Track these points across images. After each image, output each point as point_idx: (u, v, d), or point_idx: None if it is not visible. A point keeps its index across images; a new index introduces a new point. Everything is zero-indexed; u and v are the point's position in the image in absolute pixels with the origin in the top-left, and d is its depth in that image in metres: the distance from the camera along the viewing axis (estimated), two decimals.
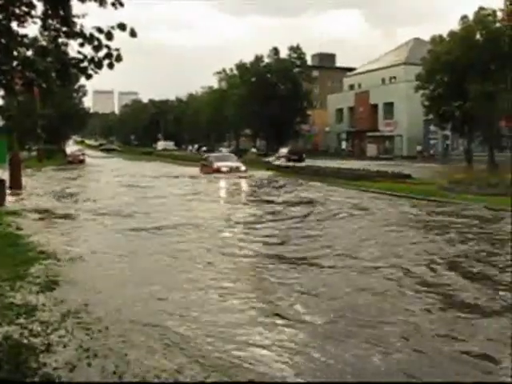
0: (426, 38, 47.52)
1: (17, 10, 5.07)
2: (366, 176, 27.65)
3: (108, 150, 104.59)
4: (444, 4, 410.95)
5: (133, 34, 4.71)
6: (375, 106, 71.02)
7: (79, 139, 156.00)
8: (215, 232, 13.65)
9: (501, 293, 7.83)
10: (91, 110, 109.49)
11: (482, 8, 39.34)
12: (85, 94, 77.79)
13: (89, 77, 4.96)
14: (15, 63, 5.18)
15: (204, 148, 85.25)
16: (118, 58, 4.81)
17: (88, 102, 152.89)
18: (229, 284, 8.58)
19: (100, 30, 4.76)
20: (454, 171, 29.40)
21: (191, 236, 13.12)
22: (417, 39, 72.24)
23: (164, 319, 6.75)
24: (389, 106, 68.33)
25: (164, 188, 26.60)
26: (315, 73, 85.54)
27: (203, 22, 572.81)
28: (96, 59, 4.82)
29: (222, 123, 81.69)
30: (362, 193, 22.76)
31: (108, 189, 27.32)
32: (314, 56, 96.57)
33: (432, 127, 56.37)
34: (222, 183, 29.52)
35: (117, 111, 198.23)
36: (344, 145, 78.12)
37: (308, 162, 41.82)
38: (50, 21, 5.24)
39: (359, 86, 79.40)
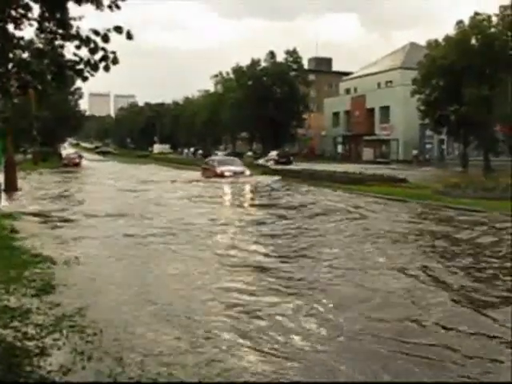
0: (422, 42, 47.76)
1: (13, 13, 5.06)
2: (361, 180, 27.73)
3: (104, 153, 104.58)
4: (440, 8, 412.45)
5: (129, 36, 4.72)
6: (371, 110, 71.11)
7: (75, 142, 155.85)
8: None
9: None
10: (87, 113, 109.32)
11: (477, 13, 39.58)
12: (81, 96, 77.70)
13: (85, 79, 4.96)
14: (11, 65, 5.17)
15: (200, 151, 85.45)
16: (115, 61, 4.81)
17: (84, 104, 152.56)
18: None
19: (96, 33, 4.76)
20: (450, 175, 29.48)
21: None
22: (413, 43, 72.40)
23: (160, 320, 6.73)
24: (385, 110, 68.42)
25: (166, 196, 23.88)
26: (311, 77, 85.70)
27: (200, 24, 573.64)
28: (92, 61, 4.82)
29: (219, 126, 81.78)
30: (355, 196, 22.81)
31: (103, 193, 27.22)
32: (310, 60, 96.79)
33: (428, 131, 56.54)
34: (229, 189, 27.37)
35: (113, 114, 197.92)
36: (340, 149, 78.15)
37: (304, 166, 41.68)
38: (46, 23, 5.24)
39: (355, 90, 79.50)
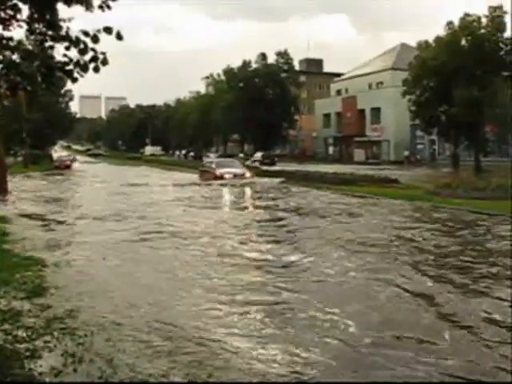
0: (413, 43, 47.90)
1: (2, 14, 5.04)
2: (352, 181, 27.83)
3: (95, 156, 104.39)
4: (430, 10, 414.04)
5: (119, 37, 4.70)
6: (362, 111, 71.30)
7: (66, 144, 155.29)
8: None
9: None
10: (78, 115, 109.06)
11: (467, 14, 39.72)
12: (71, 98, 77.41)
13: (74, 80, 4.94)
14: (0, 67, 5.14)
15: (192, 153, 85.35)
16: (104, 62, 4.80)
17: (75, 106, 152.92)
18: None
19: (86, 34, 4.74)
20: (441, 175, 29.63)
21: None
22: (404, 44, 72.65)
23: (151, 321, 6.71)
24: (376, 111, 68.61)
25: (166, 204, 21.38)
26: (303, 78, 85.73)
27: (191, 26, 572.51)
28: (82, 62, 4.80)
29: (210, 128, 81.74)
30: (345, 197, 22.91)
31: (95, 196, 27.14)
32: (301, 61, 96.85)
33: (419, 132, 56.70)
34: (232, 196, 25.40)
35: (104, 116, 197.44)
36: (331, 150, 78.25)
37: (298, 167, 41.55)
38: (35, 24, 5.22)
39: (346, 91, 79.71)
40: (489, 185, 20.74)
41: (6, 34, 5.11)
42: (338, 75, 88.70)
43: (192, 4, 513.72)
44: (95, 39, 4.71)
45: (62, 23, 5.07)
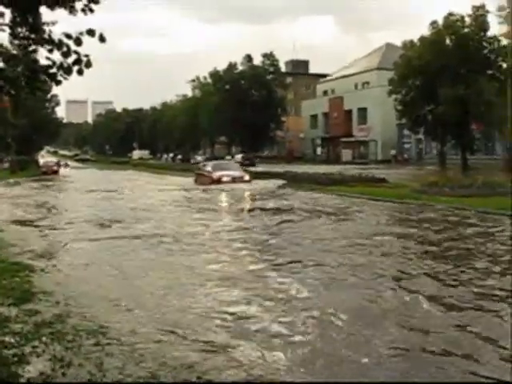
0: (398, 42, 48.17)
1: None
2: (340, 181, 27.93)
3: (83, 161, 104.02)
4: (415, 9, 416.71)
5: (102, 39, 4.69)
6: (349, 112, 71.56)
7: (52, 150, 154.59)
8: None
9: None
10: (64, 120, 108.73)
11: (450, 14, 40.03)
12: (58, 103, 77.40)
13: (58, 83, 4.93)
14: None
15: (179, 156, 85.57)
16: (88, 64, 4.78)
17: (61, 111, 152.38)
18: None
19: (69, 36, 4.73)
20: (428, 174, 29.81)
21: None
22: (389, 44, 72.97)
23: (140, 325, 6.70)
24: (362, 111, 68.91)
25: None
26: (289, 79, 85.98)
27: (177, 29, 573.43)
28: (65, 65, 4.78)
29: (197, 131, 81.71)
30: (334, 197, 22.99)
31: (84, 201, 27.03)
32: (287, 63, 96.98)
33: (405, 131, 57.02)
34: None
35: (90, 121, 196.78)
36: (319, 151, 78.45)
37: (286, 168, 41.53)
38: (18, 28, 5.19)
39: (333, 91, 79.95)
40: (475, 182, 20.92)
41: None
42: (325, 76, 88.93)
43: (179, 8, 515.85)
44: (78, 42, 4.69)
45: (45, 27, 5.05)
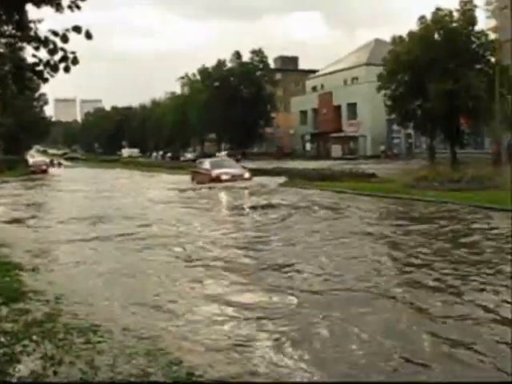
0: (387, 38, 48.21)
1: None
2: (330, 176, 28.03)
3: (72, 159, 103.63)
4: (403, 4, 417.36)
5: (88, 36, 4.67)
6: (338, 107, 71.57)
7: (42, 149, 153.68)
8: None
9: None
10: (53, 119, 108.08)
11: (438, 9, 40.13)
12: (46, 102, 76.66)
13: (45, 80, 4.89)
14: None
15: (169, 154, 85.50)
16: (75, 61, 4.75)
17: (50, 110, 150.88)
18: None
19: (55, 33, 4.70)
20: (418, 168, 29.96)
21: None
22: (377, 40, 72.93)
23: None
24: (352, 107, 68.95)
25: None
26: (278, 75, 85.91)
27: (165, 27, 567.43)
28: (52, 62, 4.75)
29: (187, 128, 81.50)
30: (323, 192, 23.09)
31: (73, 200, 26.93)
32: (276, 59, 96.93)
33: (395, 126, 57.10)
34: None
35: (79, 119, 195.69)
36: (309, 146, 78.36)
37: (276, 165, 41.51)
38: (4, 26, 5.16)
39: (322, 87, 79.91)
40: (464, 176, 21.04)
41: None
42: (314, 72, 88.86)
43: (166, 6, 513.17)
44: (64, 39, 4.66)
45: (31, 25, 5.01)
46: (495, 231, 12.52)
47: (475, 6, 38.85)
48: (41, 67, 4.81)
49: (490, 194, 17.65)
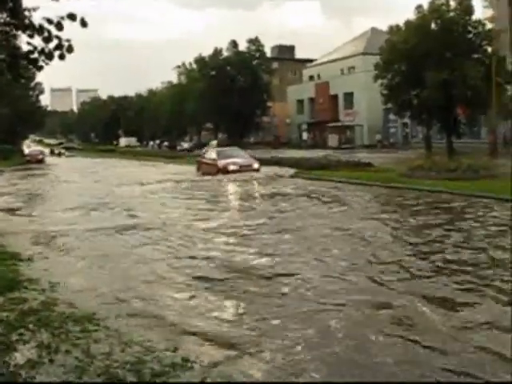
0: (384, 27, 48.09)
1: None
2: (327, 165, 28.09)
3: (68, 149, 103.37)
4: None
5: (83, 23, 4.64)
6: (335, 97, 71.53)
7: (38, 138, 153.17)
8: None
9: None
10: (49, 109, 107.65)
11: None
12: (42, 92, 76.30)
13: (40, 68, 4.87)
14: None
15: (166, 143, 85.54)
16: (70, 49, 4.72)
17: (45, 100, 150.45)
18: None
19: (50, 21, 4.67)
20: (414, 158, 29.99)
21: None
22: (374, 29, 72.79)
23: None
24: (349, 96, 68.91)
25: None
26: (275, 65, 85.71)
27: (161, 16, 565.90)
28: (47, 50, 4.73)
29: (183, 118, 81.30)
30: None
31: (70, 191, 26.90)
32: (273, 48, 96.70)
33: (391, 116, 57.12)
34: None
35: (76, 109, 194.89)
36: (305, 136, 78.26)
37: (272, 154, 41.36)
38: None
39: (319, 76, 79.77)
40: (460, 166, 21.08)
41: None
42: (310, 61, 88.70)
43: None
44: (59, 27, 4.63)
45: (26, 12, 4.98)
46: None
47: None
48: (35, 55, 4.79)
49: (486, 183, 17.64)
